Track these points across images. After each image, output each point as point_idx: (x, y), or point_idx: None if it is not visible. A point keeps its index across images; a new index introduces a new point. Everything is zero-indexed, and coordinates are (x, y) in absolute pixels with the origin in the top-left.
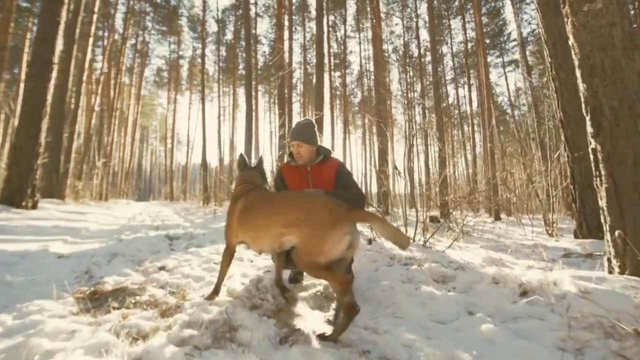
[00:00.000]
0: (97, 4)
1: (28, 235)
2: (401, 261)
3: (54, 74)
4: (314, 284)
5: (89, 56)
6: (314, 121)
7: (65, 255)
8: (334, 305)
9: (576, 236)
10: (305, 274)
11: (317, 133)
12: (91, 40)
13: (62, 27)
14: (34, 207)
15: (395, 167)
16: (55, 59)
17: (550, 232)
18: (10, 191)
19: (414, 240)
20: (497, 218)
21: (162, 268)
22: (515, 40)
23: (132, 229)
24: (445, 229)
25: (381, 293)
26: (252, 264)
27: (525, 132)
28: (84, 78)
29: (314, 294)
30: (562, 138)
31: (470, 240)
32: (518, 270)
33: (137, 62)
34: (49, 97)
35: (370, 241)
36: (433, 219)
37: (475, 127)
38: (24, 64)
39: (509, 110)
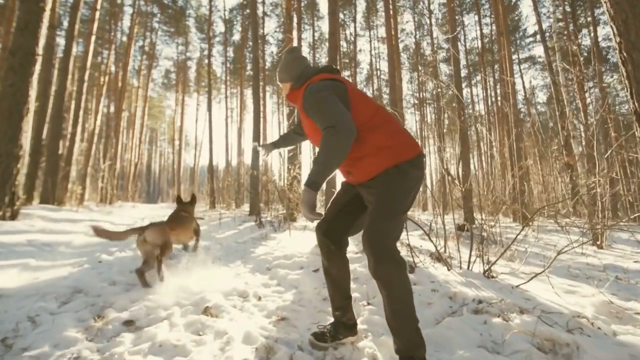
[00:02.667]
0: (100, 1)
1: None
2: (468, 305)
3: (38, 66)
4: (353, 350)
5: (90, 55)
6: (291, 50)
7: (6, 294)
8: None
9: None
10: (346, 330)
11: (294, 63)
12: (93, 38)
13: (47, 14)
14: (14, 217)
15: (447, 172)
16: (39, 50)
17: (599, 244)
18: None
19: (469, 268)
20: (526, 225)
21: (127, 323)
22: (532, 36)
23: (123, 242)
24: (477, 239)
25: None
26: (261, 304)
27: (566, 130)
28: (86, 77)
29: None
30: (638, 134)
31: (515, 256)
32: None
33: (145, 64)
34: (32, 93)
35: (411, 268)
36: (460, 228)
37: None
38: None
39: (523, 109)
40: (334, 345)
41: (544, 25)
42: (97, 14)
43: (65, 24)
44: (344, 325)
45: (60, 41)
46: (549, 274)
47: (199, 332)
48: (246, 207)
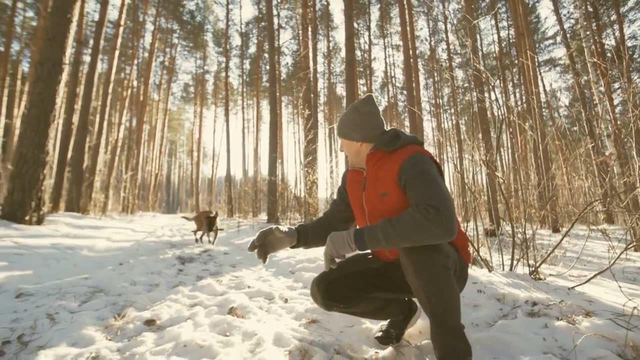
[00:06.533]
0: (123, 17)
1: (1, 259)
2: (521, 307)
3: (65, 75)
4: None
5: (114, 69)
6: (367, 102)
7: (27, 293)
8: None
9: None
10: (403, 333)
11: (372, 118)
12: (117, 53)
13: (74, 25)
14: (39, 222)
15: (486, 163)
16: (66, 60)
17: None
18: (12, 205)
19: (511, 269)
20: (556, 230)
21: (149, 323)
22: (551, 38)
23: (144, 247)
24: (506, 243)
25: None
26: (288, 307)
27: (599, 129)
28: (110, 90)
29: None
30: None
31: (559, 259)
32: None
33: (165, 78)
34: (59, 101)
35: None
36: (490, 233)
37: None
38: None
39: (545, 113)
40: (378, 349)
41: (565, 26)
42: (121, 29)
43: (91, 42)
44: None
45: (86, 58)
46: (601, 278)
47: (226, 332)
48: (263, 216)
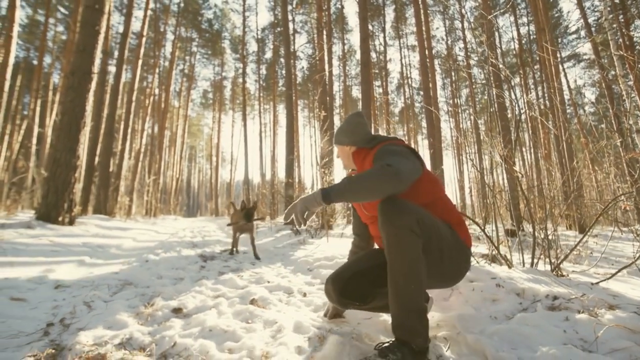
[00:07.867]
0: (146, 28)
1: (40, 255)
2: (541, 301)
3: (93, 84)
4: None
5: (138, 77)
6: (357, 115)
7: (64, 285)
8: None
9: None
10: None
11: (359, 127)
12: (140, 62)
13: (101, 37)
14: (71, 222)
15: (501, 156)
16: (95, 69)
17: None
18: (47, 207)
19: (532, 265)
20: (582, 231)
21: (176, 311)
22: (574, 33)
23: (168, 246)
24: (528, 244)
25: None
26: (307, 300)
27: (626, 124)
28: (134, 98)
29: None
30: None
31: (583, 257)
32: None
33: (185, 86)
34: (88, 108)
35: None
36: (511, 233)
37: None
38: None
39: (569, 110)
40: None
41: (590, 20)
42: (144, 40)
43: (116, 53)
44: None
45: (111, 69)
46: (629, 275)
47: (248, 320)
48: (281, 219)
